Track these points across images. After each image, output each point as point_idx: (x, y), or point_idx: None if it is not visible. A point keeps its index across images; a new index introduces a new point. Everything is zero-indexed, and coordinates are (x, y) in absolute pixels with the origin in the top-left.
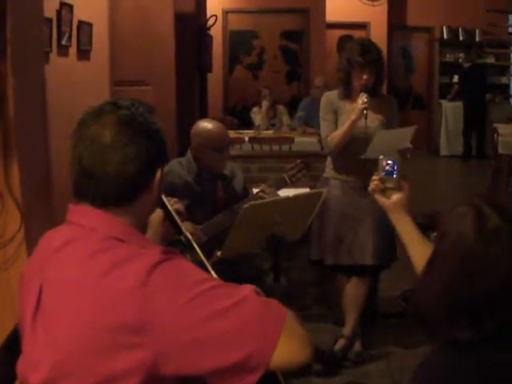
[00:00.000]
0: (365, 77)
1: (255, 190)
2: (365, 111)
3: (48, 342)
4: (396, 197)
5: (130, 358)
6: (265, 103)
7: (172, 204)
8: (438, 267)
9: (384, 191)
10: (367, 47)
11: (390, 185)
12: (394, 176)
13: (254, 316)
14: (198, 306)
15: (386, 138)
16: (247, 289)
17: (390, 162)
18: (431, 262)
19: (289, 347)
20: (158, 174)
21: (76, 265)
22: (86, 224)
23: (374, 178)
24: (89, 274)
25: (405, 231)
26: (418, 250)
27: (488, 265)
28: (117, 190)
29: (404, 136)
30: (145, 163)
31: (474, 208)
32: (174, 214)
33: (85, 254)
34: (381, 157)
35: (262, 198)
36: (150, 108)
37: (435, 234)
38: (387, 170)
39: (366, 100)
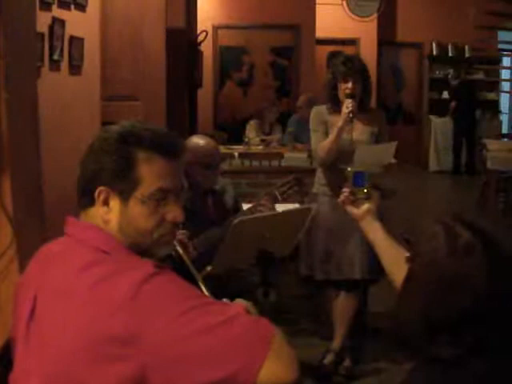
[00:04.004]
0: (349, 85)
1: (245, 206)
2: (350, 115)
3: (40, 351)
4: (365, 206)
5: (119, 370)
6: (274, 112)
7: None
8: (413, 287)
9: (354, 202)
10: (349, 58)
11: (360, 195)
12: (364, 186)
13: (242, 334)
14: (187, 321)
15: (368, 153)
16: (237, 307)
17: (359, 173)
18: (407, 283)
19: (276, 366)
20: (102, 194)
21: (69, 275)
22: (78, 236)
23: (344, 189)
24: (81, 285)
25: (375, 238)
26: (390, 254)
27: (462, 281)
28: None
29: (386, 152)
30: (87, 176)
31: (445, 226)
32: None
33: (77, 265)
34: (349, 169)
35: (260, 210)
36: (132, 134)
37: (408, 254)
38: (357, 182)
39: (351, 105)
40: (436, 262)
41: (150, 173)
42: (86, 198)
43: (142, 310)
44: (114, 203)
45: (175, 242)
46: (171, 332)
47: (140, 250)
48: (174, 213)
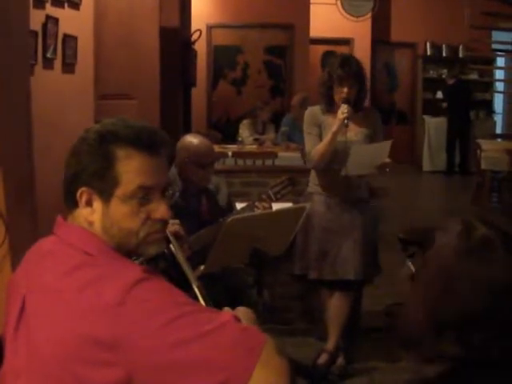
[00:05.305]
0: (345, 90)
1: (239, 206)
2: (346, 121)
3: (28, 350)
4: None
5: (104, 375)
6: (267, 111)
7: (170, 225)
8: (423, 283)
9: None
10: (347, 60)
11: None
12: None
13: (231, 343)
14: (174, 329)
15: (362, 153)
16: (226, 315)
17: None
18: (417, 279)
19: (265, 377)
20: (84, 194)
21: (56, 277)
22: (64, 237)
23: None
24: (68, 287)
25: None
26: None
27: (475, 276)
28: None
29: (381, 151)
30: (69, 178)
31: (461, 221)
32: (168, 234)
33: (64, 268)
34: None
35: (256, 206)
36: (109, 134)
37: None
38: None
39: (346, 110)
40: (447, 255)
41: (130, 170)
42: (70, 200)
43: (129, 317)
44: (97, 204)
45: (169, 236)
46: (158, 340)
47: (127, 250)
48: (159, 210)
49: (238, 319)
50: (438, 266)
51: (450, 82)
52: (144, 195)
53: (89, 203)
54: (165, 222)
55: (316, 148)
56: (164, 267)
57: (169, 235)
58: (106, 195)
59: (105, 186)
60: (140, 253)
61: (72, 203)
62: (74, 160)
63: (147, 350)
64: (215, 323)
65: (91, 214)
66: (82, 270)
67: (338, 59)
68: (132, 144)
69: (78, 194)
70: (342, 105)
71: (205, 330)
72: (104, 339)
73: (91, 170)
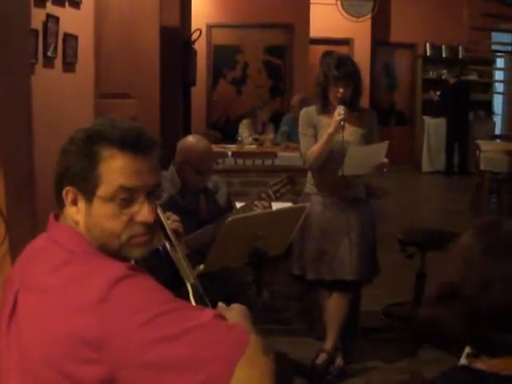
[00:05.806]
0: (341, 90)
1: (238, 205)
2: (342, 123)
3: (19, 348)
4: None
5: (89, 373)
6: (267, 111)
7: (170, 222)
8: (437, 280)
9: None
10: (343, 61)
11: None
12: None
13: (213, 341)
14: (156, 326)
15: (359, 154)
16: (210, 313)
17: None
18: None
19: (248, 374)
20: (69, 194)
21: (43, 275)
22: (53, 235)
23: None
24: (52, 285)
25: None
26: None
27: (486, 274)
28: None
29: (378, 152)
30: (56, 177)
31: (488, 220)
32: (168, 231)
33: (50, 265)
34: None
35: (256, 205)
36: (97, 134)
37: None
38: None
39: (342, 112)
40: (466, 253)
41: (112, 170)
42: (59, 199)
43: (111, 314)
44: (81, 204)
45: (169, 233)
46: (140, 337)
47: (111, 252)
48: (142, 213)
49: (222, 317)
50: (453, 264)
51: (452, 81)
52: (127, 196)
53: (74, 202)
54: (149, 226)
55: (312, 149)
56: (157, 264)
57: (169, 232)
58: (89, 195)
59: (88, 186)
60: (123, 255)
61: (60, 202)
62: (62, 159)
63: (129, 348)
64: (198, 320)
65: (76, 213)
66: (66, 267)
67: (335, 60)
68: (117, 144)
69: (64, 193)
70: (339, 106)
71: (187, 327)
72: (87, 338)
73: (76, 169)
